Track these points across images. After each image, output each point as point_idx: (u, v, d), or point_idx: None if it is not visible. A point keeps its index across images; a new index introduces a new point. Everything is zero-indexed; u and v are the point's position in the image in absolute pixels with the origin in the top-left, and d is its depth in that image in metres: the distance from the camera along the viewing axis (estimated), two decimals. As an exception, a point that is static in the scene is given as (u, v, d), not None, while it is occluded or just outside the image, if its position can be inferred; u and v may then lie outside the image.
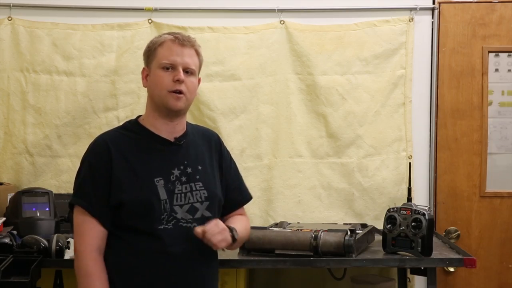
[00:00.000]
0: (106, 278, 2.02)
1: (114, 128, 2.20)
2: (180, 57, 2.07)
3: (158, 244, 2.02)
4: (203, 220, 2.10)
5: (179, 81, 2.05)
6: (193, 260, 2.07)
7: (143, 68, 2.17)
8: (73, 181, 2.12)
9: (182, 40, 2.08)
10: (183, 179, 2.09)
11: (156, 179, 2.04)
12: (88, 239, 2.02)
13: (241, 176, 2.38)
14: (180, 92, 2.06)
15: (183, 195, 2.07)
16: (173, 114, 2.11)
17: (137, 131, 2.12)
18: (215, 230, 2.02)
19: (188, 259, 2.06)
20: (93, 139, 2.17)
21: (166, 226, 2.03)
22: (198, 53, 2.13)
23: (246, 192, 2.37)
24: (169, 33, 2.13)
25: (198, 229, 2.01)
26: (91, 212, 2.02)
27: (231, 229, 2.10)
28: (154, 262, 2.02)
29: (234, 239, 2.10)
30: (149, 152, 2.08)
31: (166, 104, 2.07)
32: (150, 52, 2.13)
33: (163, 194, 2.04)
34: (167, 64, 2.07)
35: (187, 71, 2.09)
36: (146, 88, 2.19)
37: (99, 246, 2.04)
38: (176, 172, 2.08)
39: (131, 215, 2.02)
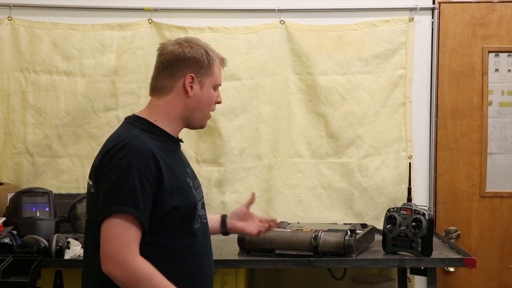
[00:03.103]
0: None
1: (137, 131, 2.02)
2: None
3: (195, 243, 2.02)
4: (206, 215, 2.13)
5: (218, 103, 2.14)
6: (211, 255, 2.12)
7: (190, 75, 2.03)
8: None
9: (225, 64, 2.14)
10: (192, 177, 2.11)
11: (187, 180, 2.05)
12: (133, 247, 1.90)
13: None
14: None
15: (198, 191, 2.10)
16: (197, 129, 2.17)
17: (158, 133, 2.06)
18: None
19: (210, 254, 2.11)
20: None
21: (198, 225, 2.04)
22: None
23: None
24: (213, 51, 2.10)
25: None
26: (141, 223, 1.91)
27: None
28: (193, 262, 2.01)
29: None
30: (174, 154, 2.06)
31: (203, 122, 2.12)
32: (206, 65, 2.06)
33: (196, 194, 2.06)
34: (219, 85, 2.12)
35: None
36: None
37: None
38: (189, 170, 2.11)
39: (180, 218, 1.98)
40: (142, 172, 1.92)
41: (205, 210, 2.11)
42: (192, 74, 2.04)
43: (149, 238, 1.95)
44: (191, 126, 2.11)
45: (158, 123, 2.06)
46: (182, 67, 2.04)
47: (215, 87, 2.09)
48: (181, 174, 2.03)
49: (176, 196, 1.97)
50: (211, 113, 2.05)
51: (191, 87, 2.04)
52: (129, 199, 1.89)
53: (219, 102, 2.13)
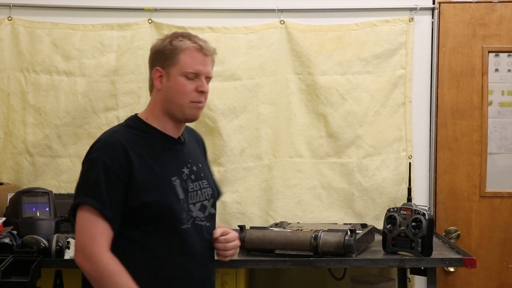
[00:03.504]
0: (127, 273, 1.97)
1: (121, 127, 2.11)
2: (203, 66, 2.05)
3: (181, 244, 2.01)
4: (210, 218, 2.12)
5: (202, 92, 2.05)
6: (207, 258, 2.10)
7: (156, 69, 2.07)
8: (74, 181, 2.07)
9: (206, 50, 2.06)
10: (192, 177, 2.09)
11: (173, 178, 2.04)
12: (101, 240, 1.94)
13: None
14: (201, 102, 2.06)
15: (195, 193, 2.08)
16: (188, 122, 2.12)
17: (145, 129, 2.08)
18: (233, 244, 2.12)
19: (204, 257, 2.08)
20: (94, 139, 2.13)
21: (187, 226, 2.03)
22: (213, 60, 2.13)
23: (220, 188, 2.38)
24: (189, 38, 2.06)
25: (218, 231, 2.10)
26: (104, 214, 1.94)
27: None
28: (176, 263, 2.01)
29: None
30: (161, 152, 2.06)
31: (186, 114, 2.05)
32: (169, 55, 2.05)
33: (181, 194, 2.03)
34: (191, 73, 2.03)
35: (206, 78, 2.08)
36: (157, 89, 2.13)
37: (110, 248, 1.98)
38: (185, 170, 2.08)
39: (155, 215, 1.99)
40: (109, 165, 1.96)
41: (206, 212, 2.10)
42: (158, 67, 2.06)
43: (128, 234, 1.99)
44: (177, 120, 2.08)
45: (149, 121, 2.09)
46: (153, 62, 2.09)
47: (187, 75, 2.03)
48: (162, 171, 2.02)
49: (148, 192, 1.98)
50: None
51: (160, 80, 2.06)
52: (91, 191, 1.95)
53: (202, 92, 2.04)
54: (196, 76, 2.04)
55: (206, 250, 2.09)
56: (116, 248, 1.98)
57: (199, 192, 2.09)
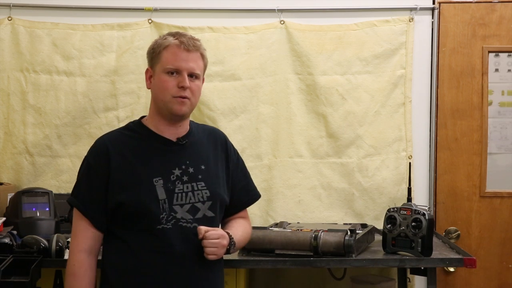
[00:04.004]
0: (91, 278, 2.05)
1: (118, 129, 2.21)
2: (185, 62, 2.06)
3: (158, 243, 2.03)
4: (205, 220, 2.09)
5: (183, 88, 2.05)
6: (194, 261, 2.06)
7: (147, 69, 2.15)
8: (74, 181, 2.14)
9: (187, 45, 2.06)
10: (185, 178, 2.09)
11: (155, 179, 2.05)
12: (79, 239, 2.06)
13: (249, 175, 2.37)
14: (185, 97, 2.06)
15: (183, 194, 2.07)
16: (177, 118, 2.11)
17: (140, 131, 2.12)
18: (214, 242, 2.03)
19: (189, 259, 2.06)
20: (94, 139, 2.19)
21: (166, 226, 2.03)
22: (203, 56, 2.12)
23: (254, 192, 2.35)
24: (174, 36, 2.08)
25: (202, 229, 2.03)
26: (83, 213, 2.06)
27: (230, 245, 2.10)
28: (154, 262, 2.02)
29: (228, 252, 2.11)
30: (150, 152, 2.09)
31: (170, 109, 2.07)
32: (154, 54, 2.10)
33: (161, 194, 2.04)
34: (171, 69, 2.05)
35: (192, 75, 2.07)
36: (146, 88, 2.18)
37: (90, 247, 2.06)
38: (176, 171, 2.08)
39: (131, 215, 2.03)
40: (92, 165, 2.07)
41: (198, 214, 2.08)
42: (148, 67, 2.14)
43: (114, 230, 2.07)
44: (166, 117, 2.11)
45: (146, 122, 2.15)
46: (147, 62, 2.16)
47: (168, 71, 2.06)
48: (144, 171, 2.05)
49: (123, 192, 2.03)
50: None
51: (150, 80, 2.12)
52: (75, 190, 2.10)
53: (182, 87, 2.05)
54: (177, 72, 2.06)
55: (192, 252, 2.05)
56: (107, 243, 2.09)
57: (189, 193, 2.08)
